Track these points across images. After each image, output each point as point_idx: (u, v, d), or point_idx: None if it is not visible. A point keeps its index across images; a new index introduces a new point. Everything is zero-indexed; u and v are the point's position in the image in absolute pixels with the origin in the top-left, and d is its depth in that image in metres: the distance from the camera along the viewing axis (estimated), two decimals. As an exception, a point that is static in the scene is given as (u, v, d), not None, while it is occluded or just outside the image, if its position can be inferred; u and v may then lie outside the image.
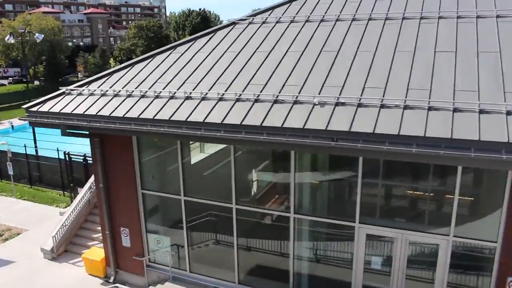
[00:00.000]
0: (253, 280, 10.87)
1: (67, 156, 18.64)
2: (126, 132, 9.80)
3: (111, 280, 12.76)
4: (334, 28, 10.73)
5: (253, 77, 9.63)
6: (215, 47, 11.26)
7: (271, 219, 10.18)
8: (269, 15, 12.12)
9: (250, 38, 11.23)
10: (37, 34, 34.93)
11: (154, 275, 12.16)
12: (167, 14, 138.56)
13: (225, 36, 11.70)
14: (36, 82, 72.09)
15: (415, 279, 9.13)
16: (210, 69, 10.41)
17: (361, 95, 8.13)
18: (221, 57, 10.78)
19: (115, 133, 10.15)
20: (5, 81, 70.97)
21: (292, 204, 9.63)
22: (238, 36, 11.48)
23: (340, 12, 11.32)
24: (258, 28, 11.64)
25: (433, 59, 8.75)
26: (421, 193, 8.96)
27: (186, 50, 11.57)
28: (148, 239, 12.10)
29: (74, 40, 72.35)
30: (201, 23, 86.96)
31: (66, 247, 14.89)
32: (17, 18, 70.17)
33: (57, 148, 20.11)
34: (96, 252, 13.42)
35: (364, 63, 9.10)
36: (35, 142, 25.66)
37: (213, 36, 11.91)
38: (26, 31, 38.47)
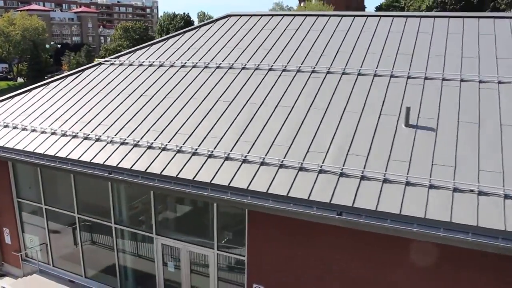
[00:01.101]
0: (95, 274, 13.54)
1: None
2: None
3: (-3, 271, 15.50)
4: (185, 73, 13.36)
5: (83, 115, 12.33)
6: (75, 86, 13.92)
7: (101, 227, 12.82)
8: (127, 58, 14.78)
9: (103, 80, 13.88)
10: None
11: (28, 268, 14.82)
12: (161, 14, 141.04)
13: (87, 75, 14.36)
14: (20, 80, 74.90)
15: (198, 276, 11.75)
16: (62, 105, 13.09)
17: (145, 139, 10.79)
18: (74, 95, 13.43)
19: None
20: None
21: (112, 216, 12.30)
22: (95, 77, 14.14)
23: (200, 60, 13.96)
24: (114, 70, 14.31)
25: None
26: (197, 216, 11.56)
27: (55, 87, 14.23)
28: (24, 238, 14.78)
29: (53, 42, 74.68)
30: (184, 27, 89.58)
31: (-27, 242, 17.57)
32: (1, 18, 72.95)
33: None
34: (-11, 247, 16.10)
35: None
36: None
37: (80, 74, 14.58)
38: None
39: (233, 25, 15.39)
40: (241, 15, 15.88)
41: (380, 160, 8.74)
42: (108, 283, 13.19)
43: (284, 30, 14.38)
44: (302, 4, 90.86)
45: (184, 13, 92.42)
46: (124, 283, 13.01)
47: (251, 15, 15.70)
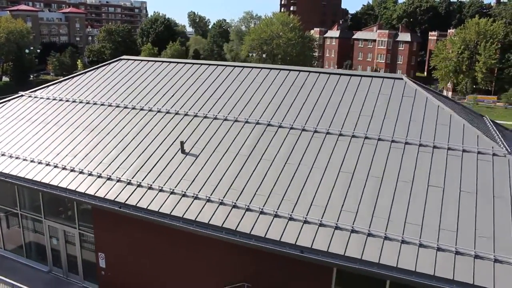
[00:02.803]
0: (10, 246, 19.32)
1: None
2: None
3: None
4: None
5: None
6: (-2, 114, 19.67)
7: (13, 213, 18.59)
8: (40, 93, 20.48)
9: (20, 109, 19.60)
10: None
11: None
12: (151, 14, 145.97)
13: (8, 106, 20.08)
14: (6, 78, 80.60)
15: (70, 246, 17.47)
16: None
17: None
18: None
19: None
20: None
21: (18, 205, 18.07)
22: (15, 107, 19.85)
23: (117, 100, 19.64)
24: (29, 102, 20.01)
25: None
26: (67, 208, 17.30)
27: (-14, 113, 19.96)
28: (-35, 220, 20.55)
29: (32, 47, 79.98)
30: (164, 31, 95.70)
31: None
32: (-13, 20, 78.56)
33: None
34: None
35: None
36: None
37: (4, 105, 20.30)
38: None
39: (122, 66, 21.06)
40: (128, 59, 21.62)
41: (155, 174, 14.53)
42: (18, 253, 19.02)
43: (173, 76, 19.83)
44: (269, 15, 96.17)
45: (164, 18, 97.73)
46: (29, 252, 18.83)
47: (135, 60, 21.47)
